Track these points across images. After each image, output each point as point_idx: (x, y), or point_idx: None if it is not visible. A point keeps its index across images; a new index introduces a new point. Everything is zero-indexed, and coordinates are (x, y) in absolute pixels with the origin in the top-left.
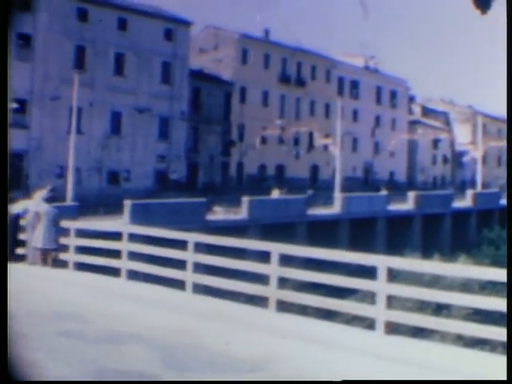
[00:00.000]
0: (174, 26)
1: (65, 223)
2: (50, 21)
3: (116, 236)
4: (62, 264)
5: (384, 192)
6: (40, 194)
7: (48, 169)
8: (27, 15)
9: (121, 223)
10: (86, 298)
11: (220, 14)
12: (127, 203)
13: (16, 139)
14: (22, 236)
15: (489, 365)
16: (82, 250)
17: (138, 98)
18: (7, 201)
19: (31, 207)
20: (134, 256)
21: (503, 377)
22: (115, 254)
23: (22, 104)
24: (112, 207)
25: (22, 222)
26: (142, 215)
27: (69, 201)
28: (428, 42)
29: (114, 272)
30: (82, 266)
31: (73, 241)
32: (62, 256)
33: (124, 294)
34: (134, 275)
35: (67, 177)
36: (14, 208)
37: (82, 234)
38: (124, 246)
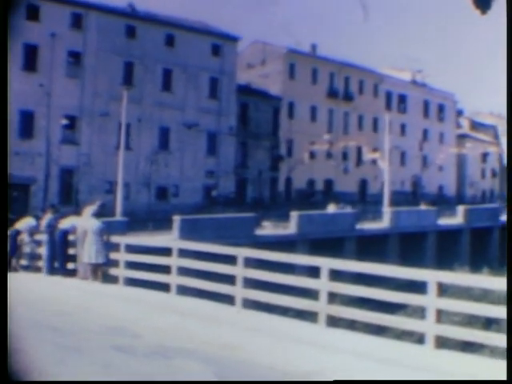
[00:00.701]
0: (221, 42)
1: (114, 238)
2: (99, 38)
3: (165, 251)
4: (112, 279)
5: (424, 207)
6: (89, 210)
7: (97, 184)
8: (77, 33)
9: (170, 238)
10: (135, 312)
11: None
12: (176, 218)
13: (66, 155)
14: (71, 251)
15: None
16: (132, 265)
17: (185, 113)
18: (7, 211)
19: (81, 222)
20: (183, 271)
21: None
22: (164, 269)
23: (72, 120)
24: (161, 222)
25: (71, 238)
26: (190, 230)
27: (118, 216)
28: (476, 56)
29: (163, 287)
30: (131, 281)
31: (122, 256)
32: (112, 271)
33: (174, 309)
34: (183, 290)
35: (116, 192)
36: (63, 224)
37: (131, 249)
38: (174, 261)
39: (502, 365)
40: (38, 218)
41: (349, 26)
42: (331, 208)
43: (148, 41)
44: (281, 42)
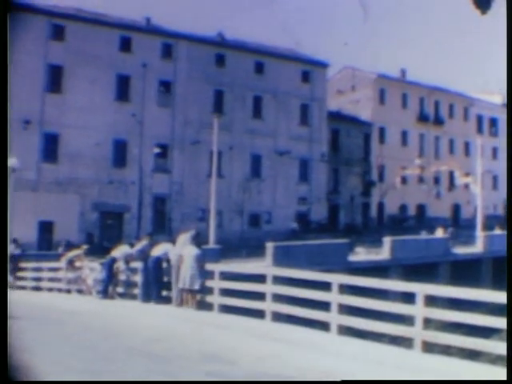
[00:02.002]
0: (310, 68)
1: (208, 266)
2: (189, 67)
3: (258, 278)
4: (206, 306)
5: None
6: (184, 237)
7: (190, 212)
8: (168, 63)
9: (263, 265)
10: (230, 339)
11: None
12: (269, 245)
13: (159, 183)
14: (165, 278)
15: None
16: (226, 292)
17: (276, 140)
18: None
19: (175, 249)
20: (277, 298)
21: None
22: (256, 295)
23: (164, 149)
24: (254, 249)
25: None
26: (283, 257)
27: (211, 243)
28: None
29: (257, 313)
30: (226, 308)
31: (217, 283)
32: (207, 298)
33: (269, 335)
34: (277, 317)
35: (209, 220)
36: (156, 251)
37: (225, 276)
38: (268, 288)
39: None
40: (132, 246)
41: (438, 51)
42: (439, 233)
43: (237, 69)
44: (369, 68)
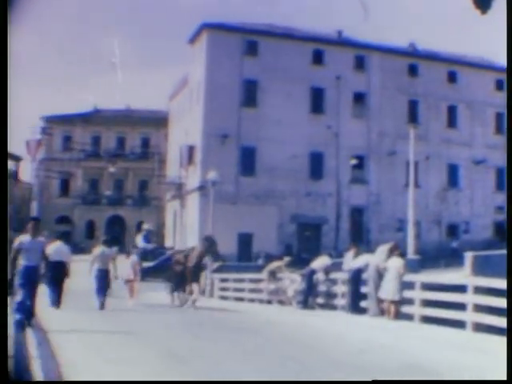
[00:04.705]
0: (504, 77)
1: (408, 276)
2: (382, 78)
3: (458, 288)
4: (404, 316)
5: None
6: (383, 249)
7: (387, 223)
8: (361, 74)
9: (462, 275)
10: (431, 349)
11: None
12: (468, 255)
13: (356, 195)
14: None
15: None
16: (426, 302)
17: (472, 149)
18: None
19: (375, 260)
20: (478, 308)
21: None
22: (457, 305)
23: (360, 160)
24: (452, 259)
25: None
26: (483, 267)
27: (410, 254)
28: None
29: (457, 324)
30: (427, 319)
31: (418, 293)
32: (405, 308)
33: (471, 347)
34: (479, 327)
35: (407, 230)
36: (356, 262)
37: (426, 287)
38: (469, 298)
39: None
40: (331, 257)
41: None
42: None
43: (430, 78)
44: None
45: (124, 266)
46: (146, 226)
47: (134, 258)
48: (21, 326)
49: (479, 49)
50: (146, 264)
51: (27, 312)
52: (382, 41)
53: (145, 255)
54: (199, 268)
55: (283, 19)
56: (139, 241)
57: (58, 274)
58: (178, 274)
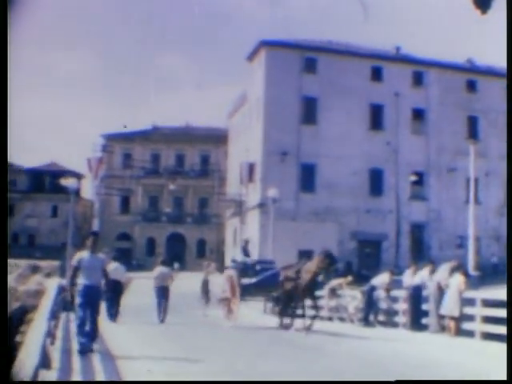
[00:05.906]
0: None
1: (468, 293)
2: (440, 94)
3: None
4: (466, 333)
5: None
6: (445, 267)
7: (448, 239)
8: (419, 91)
9: None
10: (491, 366)
11: None
12: None
13: (415, 211)
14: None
15: None
16: (488, 319)
17: None
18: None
19: (437, 278)
20: None
21: None
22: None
23: (420, 176)
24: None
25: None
26: None
27: (470, 270)
28: None
29: None
30: (488, 336)
31: (479, 310)
32: (466, 325)
33: None
34: None
35: (467, 247)
36: (414, 280)
37: (486, 303)
38: None
39: None
40: (393, 273)
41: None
42: None
43: (489, 94)
44: None
45: (217, 282)
46: (245, 237)
47: (231, 272)
48: (84, 351)
49: (479, 50)
50: (247, 280)
51: (88, 336)
52: (440, 57)
53: (245, 270)
54: (314, 285)
55: (340, 36)
56: (238, 254)
57: (115, 291)
58: (287, 292)
